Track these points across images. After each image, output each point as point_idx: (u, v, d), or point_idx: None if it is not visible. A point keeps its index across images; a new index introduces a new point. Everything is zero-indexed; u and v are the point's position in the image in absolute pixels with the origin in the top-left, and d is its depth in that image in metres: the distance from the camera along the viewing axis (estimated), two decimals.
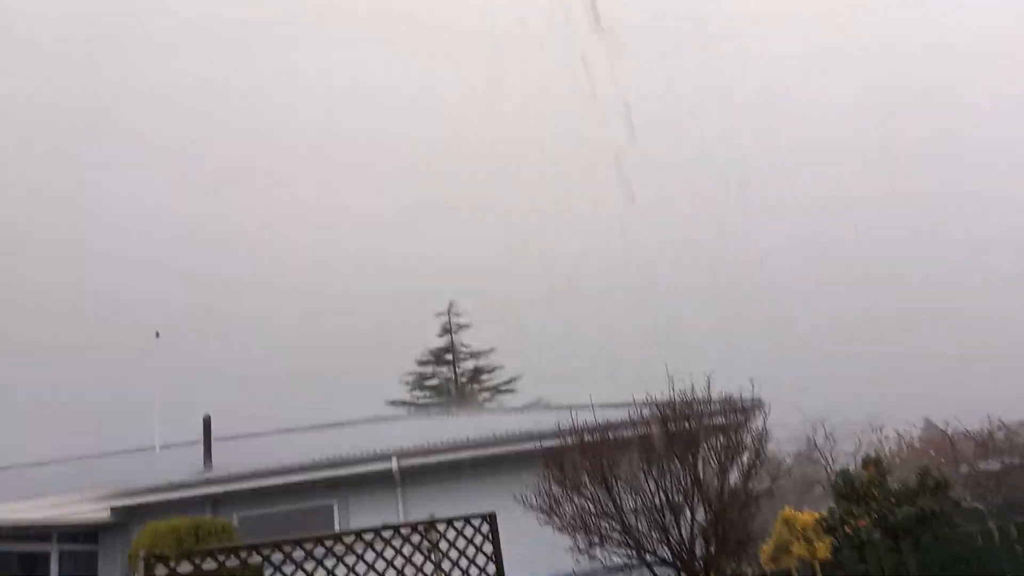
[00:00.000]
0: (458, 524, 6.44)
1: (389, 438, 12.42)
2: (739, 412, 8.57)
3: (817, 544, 11.98)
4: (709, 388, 8.36)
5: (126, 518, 10.11)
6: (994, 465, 25.30)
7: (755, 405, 8.93)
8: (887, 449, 26.12)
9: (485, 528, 6.48)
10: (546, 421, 10.39)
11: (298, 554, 5.90)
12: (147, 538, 7.96)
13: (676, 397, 8.23)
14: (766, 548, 12.62)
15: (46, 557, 9.49)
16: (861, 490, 10.44)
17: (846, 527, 10.36)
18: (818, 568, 6.68)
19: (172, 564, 5.63)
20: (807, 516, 13.16)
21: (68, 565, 9.80)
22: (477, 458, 10.22)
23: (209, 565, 5.61)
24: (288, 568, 5.85)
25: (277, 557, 5.80)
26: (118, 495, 10.13)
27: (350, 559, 6.10)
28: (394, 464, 10.07)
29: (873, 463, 10.97)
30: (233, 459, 11.41)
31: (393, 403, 38.26)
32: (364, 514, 10.01)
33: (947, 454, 25.56)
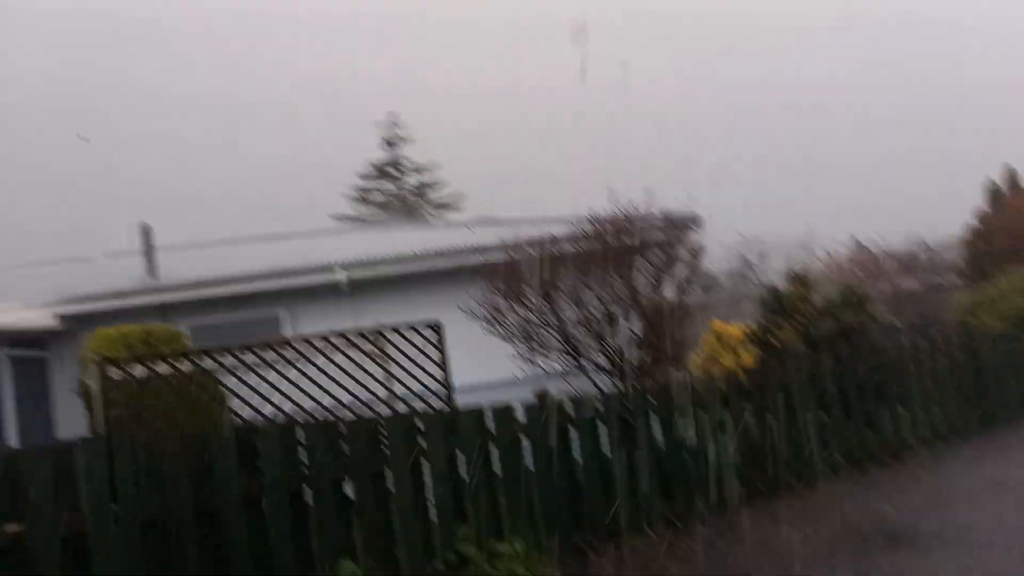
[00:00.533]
0: (406, 332, 6.69)
1: (337, 249, 12.50)
2: (677, 227, 8.82)
3: (743, 354, 12.79)
4: (649, 204, 8.54)
5: (74, 326, 10.17)
6: (914, 284, 26.92)
7: (692, 220, 9.19)
8: (816, 267, 27.39)
9: (432, 336, 6.76)
10: (491, 235, 10.55)
11: (251, 359, 6.09)
12: (97, 343, 8.06)
13: (617, 213, 8.39)
14: (696, 358, 13.45)
15: None
16: (787, 305, 11.05)
17: (771, 339, 11.06)
18: (742, 373, 7.22)
19: (125, 367, 5.76)
20: (736, 329, 13.92)
21: (18, 370, 9.93)
22: (425, 270, 10.43)
23: (162, 369, 5.77)
24: (241, 372, 6.06)
25: (230, 362, 5.99)
26: (65, 302, 10.12)
27: (301, 364, 6.34)
28: (342, 275, 10.21)
29: (800, 279, 11.52)
30: (179, 269, 11.39)
31: (338, 217, 38.09)
32: (313, 324, 10.25)
33: (872, 273, 27.00)
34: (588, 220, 8.62)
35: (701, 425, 6.83)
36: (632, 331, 8.29)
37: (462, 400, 6.93)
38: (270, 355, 6.19)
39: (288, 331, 10.47)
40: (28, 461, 4.31)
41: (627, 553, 5.83)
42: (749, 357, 11.79)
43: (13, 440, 9.60)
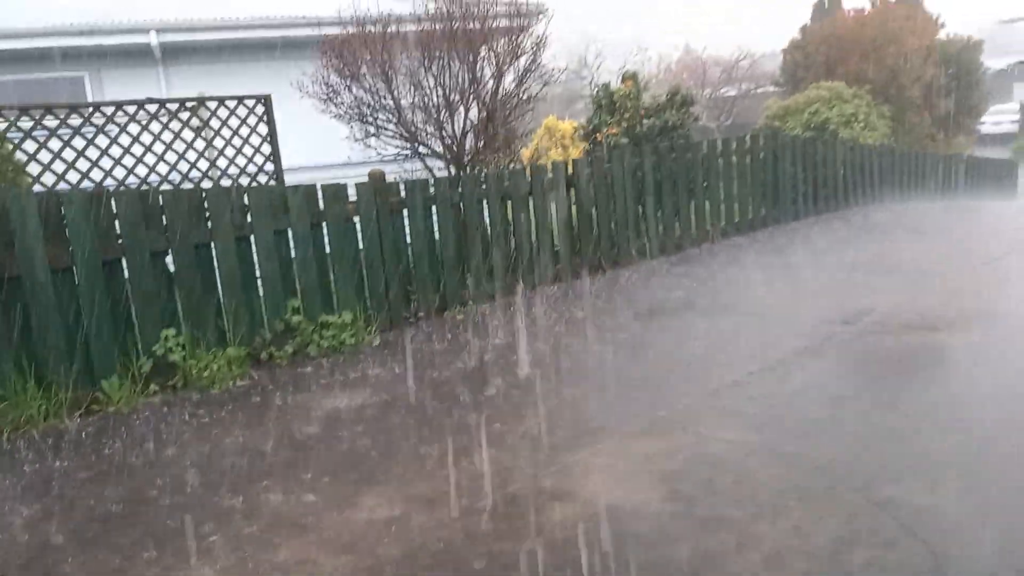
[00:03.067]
0: (231, 104, 6.29)
1: (150, 7, 11.13)
2: (523, 17, 8.64)
3: (572, 149, 13.21)
4: None
5: None
6: (732, 91, 28.34)
7: (538, 11, 9.02)
8: (648, 69, 28.00)
9: (260, 109, 6.40)
10: (324, 6, 9.83)
11: (52, 122, 5.53)
12: None
13: None
14: (527, 151, 13.74)
15: None
16: (617, 102, 11.39)
17: (599, 135, 11.47)
18: (570, 163, 7.53)
19: None
20: (567, 125, 14.24)
21: None
22: (253, 40, 9.59)
23: None
24: (40, 135, 5.52)
25: (26, 123, 5.42)
26: None
27: (112, 131, 5.85)
28: (154, 38, 9.20)
29: (631, 77, 11.82)
30: None
31: None
32: (120, 90, 9.34)
33: (697, 77, 28.03)
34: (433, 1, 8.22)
35: (528, 211, 7.17)
36: (469, 118, 8.27)
37: (292, 179, 6.77)
38: (75, 119, 5.62)
39: (91, 96, 9.47)
40: None
41: (446, 322, 6.25)
42: (577, 152, 12.21)
43: None
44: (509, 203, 7.04)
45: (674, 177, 8.53)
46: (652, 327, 5.79)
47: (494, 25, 8.34)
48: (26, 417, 4.44)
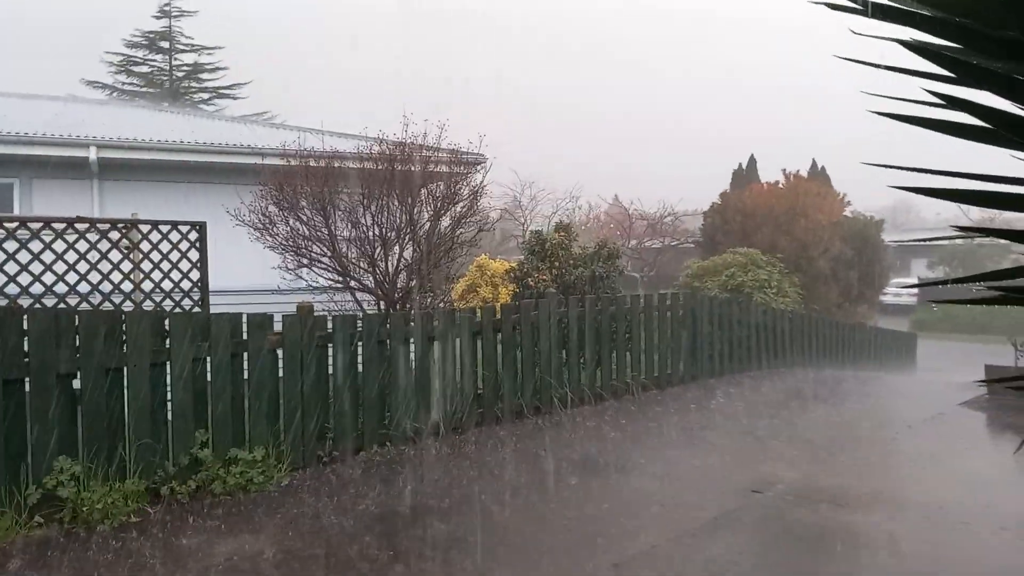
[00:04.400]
0: (164, 228, 6.25)
1: (90, 123, 11.17)
2: (463, 164, 9.02)
3: (502, 289, 13.48)
4: (440, 137, 8.64)
5: None
6: (656, 243, 29.75)
7: (478, 161, 9.43)
8: (578, 217, 29.25)
9: (193, 236, 6.36)
10: (269, 137, 10.06)
11: None
12: None
13: (407, 139, 8.40)
14: (457, 288, 13.94)
15: None
16: (549, 250, 11.79)
17: (530, 279, 11.77)
18: (499, 308, 7.66)
19: None
20: (498, 264, 14.60)
21: None
22: (191, 163, 9.68)
23: None
24: None
25: None
26: None
27: (35, 246, 5.71)
28: (92, 153, 9.18)
29: (564, 228, 12.32)
30: None
31: (92, 83, 33.87)
32: (51, 201, 9.22)
33: (624, 228, 29.38)
34: (377, 141, 8.53)
35: (452, 352, 7.20)
36: (403, 257, 8.42)
37: (219, 304, 6.67)
38: None
39: (18, 203, 9.27)
40: None
41: (360, 464, 6.07)
42: (507, 293, 12.46)
43: None
44: (436, 344, 7.06)
45: (598, 327, 8.76)
46: (564, 485, 5.76)
47: (434, 170, 8.68)
48: None
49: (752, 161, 26.99)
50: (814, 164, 25.85)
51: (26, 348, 4.78)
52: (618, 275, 12.10)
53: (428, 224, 8.47)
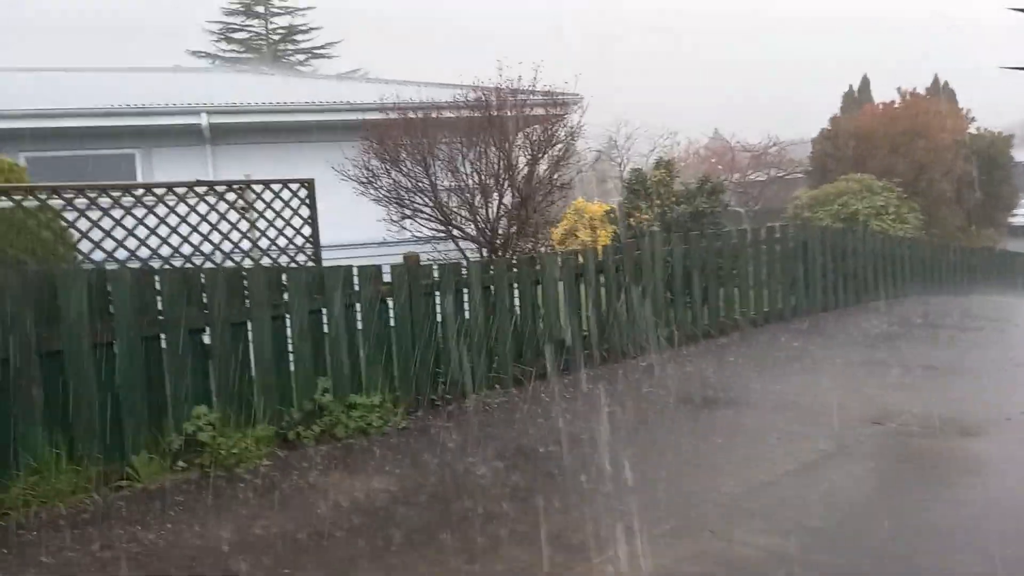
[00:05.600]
0: (275, 187, 6.51)
1: (198, 91, 11.66)
2: (558, 106, 8.92)
3: (600, 232, 13.36)
4: (534, 80, 8.56)
5: None
6: (761, 176, 28.63)
7: (574, 101, 9.30)
8: (678, 154, 28.45)
9: (303, 192, 6.61)
10: (367, 92, 10.23)
11: (105, 201, 5.76)
12: None
13: (501, 85, 8.37)
14: (556, 232, 13.94)
15: None
16: (650, 188, 11.57)
17: (630, 220, 11.61)
18: (600, 250, 7.63)
19: None
20: (596, 207, 14.45)
21: None
22: (296, 123, 9.97)
23: (3, 203, 5.37)
24: (94, 214, 5.74)
25: (81, 202, 5.64)
26: None
27: (161, 211, 6.07)
28: (204, 119, 9.59)
29: (664, 165, 12.03)
30: (16, 95, 10.32)
31: (196, 53, 35.14)
32: (169, 168, 9.71)
33: (726, 162, 28.39)
34: (472, 88, 8.54)
35: (557, 295, 7.23)
36: (503, 203, 8.46)
37: (329, 258, 6.93)
38: (127, 199, 5.86)
39: (141, 172, 9.84)
40: None
41: (471, 406, 6.24)
42: (606, 235, 12.35)
43: None
44: (539, 287, 7.11)
45: (703, 264, 8.57)
46: (679, 420, 5.74)
47: (530, 113, 8.61)
48: (55, 491, 4.47)
49: (865, 82, 25.39)
50: (936, 81, 24.08)
51: (159, 307, 5.11)
52: (722, 210, 11.77)
53: (526, 169, 8.46)
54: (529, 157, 8.44)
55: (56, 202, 5.60)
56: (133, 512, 4.31)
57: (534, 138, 8.49)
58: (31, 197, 5.55)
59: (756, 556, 3.48)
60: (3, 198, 5.38)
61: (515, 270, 6.97)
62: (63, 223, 5.75)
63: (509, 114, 8.17)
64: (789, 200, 16.43)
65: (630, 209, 11.61)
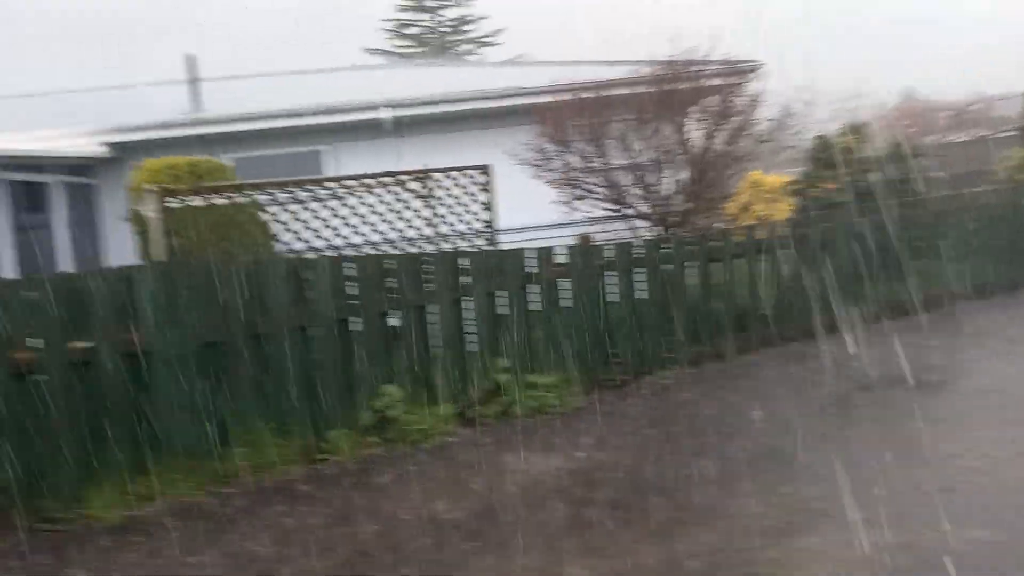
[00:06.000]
0: (454, 174, 6.75)
1: (380, 86, 12.29)
2: (735, 75, 8.54)
3: (779, 204, 12.66)
4: (710, 49, 8.24)
5: (120, 154, 10.31)
6: (963, 136, 25.97)
7: (751, 68, 8.86)
8: (864, 118, 26.40)
9: (481, 178, 6.81)
10: (537, 76, 10.31)
11: (303, 194, 6.25)
12: (146, 174, 8.22)
13: (675, 57, 8.12)
14: (731, 207, 13.38)
15: (45, 187, 9.85)
16: (835, 155, 10.80)
17: (814, 190, 10.91)
18: (781, 224, 7.22)
19: (183, 197, 5.94)
20: (773, 179, 13.70)
21: (70, 197, 10.21)
22: (472, 111, 10.24)
23: (217, 200, 5.94)
24: (293, 206, 6.23)
25: (282, 196, 6.14)
26: (112, 131, 10.21)
27: (351, 202, 6.49)
28: (386, 113, 10.10)
29: (854, 130, 11.19)
30: (222, 101, 11.36)
31: (372, 51, 37.00)
32: (354, 161, 10.28)
33: (921, 124, 26.01)
34: (644, 63, 8.38)
35: (733, 273, 6.93)
36: (676, 179, 8.24)
37: (504, 241, 7.08)
38: (320, 191, 6.33)
39: (329, 167, 10.52)
40: (94, 283, 4.57)
41: (646, 387, 6.13)
42: (785, 208, 11.68)
43: (68, 264, 10.03)
44: (715, 265, 6.86)
45: (897, 235, 7.88)
46: (879, 402, 5.33)
47: (706, 85, 8.30)
48: (266, 463, 4.87)
49: None
50: None
51: (349, 292, 5.42)
52: (917, 176, 10.78)
53: (702, 143, 8.16)
54: (705, 130, 8.13)
55: (262, 198, 6.13)
56: (336, 482, 4.62)
57: (710, 110, 8.17)
58: (240, 194, 6.09)
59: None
60: (218, 196, 5.95)
61: (690, 247, 6.77)
62: (266, 216, 6.28)
63: (683, 87, 7.91)
64: (998, 162, 14.77)
65: (813, 179, 10.91)
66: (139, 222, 8.08)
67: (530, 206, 8.70)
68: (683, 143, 8.09)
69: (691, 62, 8.35)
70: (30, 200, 9.71)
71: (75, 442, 4.42)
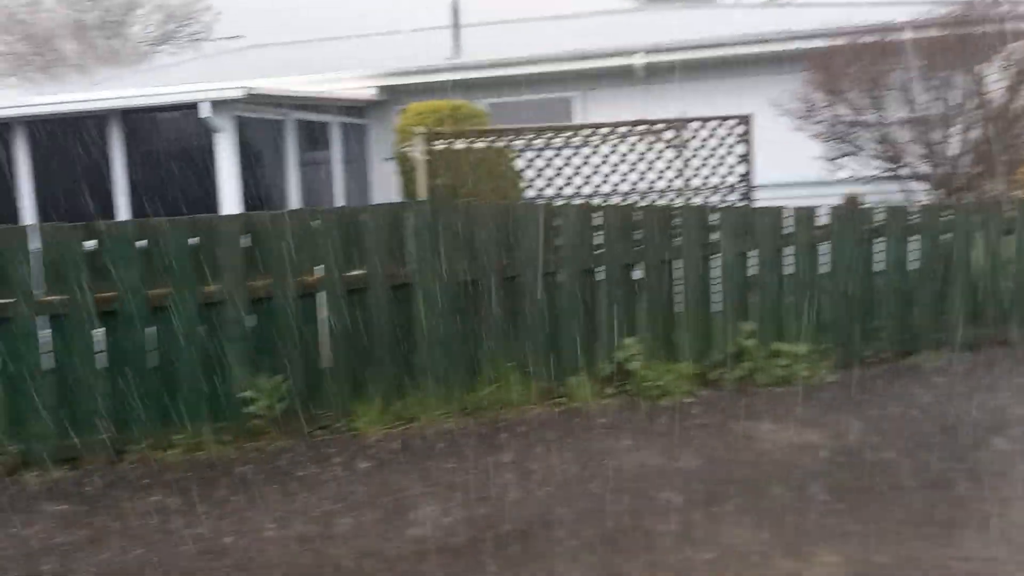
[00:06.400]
0: (711, 124, 6.44)
1: (632, 32, 12.03)
2: None
3: None
4: None
5: (387, 97, 11.07)
6: None
7: None
8: None
9: (739, 129, 6.44)
10: (809, 19, 9.49)
11: (556, 140, 6.32)
12: (411, 116, 8.78)
13: None
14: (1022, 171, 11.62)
15: (326, 127, 10.85)
16: None
17: None
18: None
19: (447, 140, 6.24)
20: None
21: (343, 136, 11.18)
22: (731, 57, 9.63)
23: (479, 144, 6.17)
24: (547, 152, 6.33)
25: (537, 142, 6.26)
26: (382, 75, 10.96)
27: (603, 149, 6.45)
28: (640, 59, 9.81)
29: None
30: (479, 47, 11.75)
31: None
32: (602, 109, 10.20)
33: None
34: (936, 2, 7.40)
35: None
36: (967, 138, 7.25)
37: (762, 197, 6.68)
38: (574, 138, 6.34)
39: (578, 114, 10.52)
40: (366, 218, 4.95)
41: (909, 369, 5.56)
42: None
43: (340, 198, 11.03)
44: (1009, 238, 5.99)
45: None
46: None
47: (1012, 28, 7.17)
48: (507, 400, 5.08)
49: None
50: None
51: (595, 242, 5.41)
52: None
53: (1001, 97, 7.09)
54: (1008, 82, 7.04)
55: (518, 143, 6.28)
56: (572, 425, 4.71)
57: (1016, 59, 7.04)
58: (499, 139, 6.29)
59: None
60: (479, 140, 6.18)
61: (978, 216, 5.95)
62: (520, 162, 6.43)
63: (985, 30, 6.87)
64: None
65: None
66: (403, 162, 8.67)
67: (789, 161, 8.10)
68: (979, 96, 7.07)
69: (997, 1, 7.25)
70: (312, 138, 10.75)
71: (345, 361, 4.88)
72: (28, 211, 9.74)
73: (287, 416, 4.72)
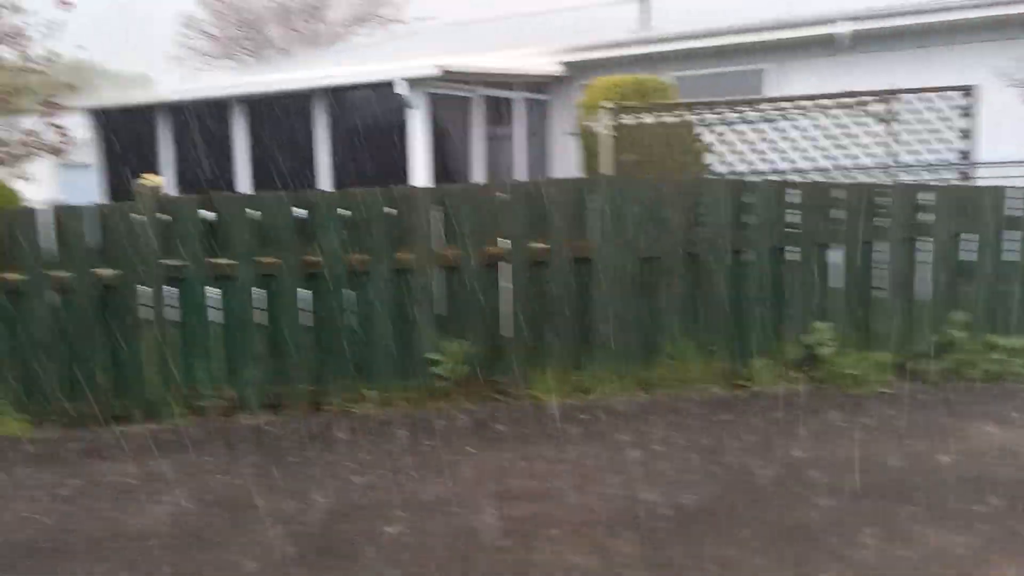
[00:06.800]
0: (929, 95, 5.90)
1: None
2: None
3: None
4: None
5: (570, 72, 11.05)
6: None
7: None
8: None
9: (961, 101, 5.85)
10: None
11: (751, 114, 6.05)
12: (595, 91, 8.72)
13: None
14: None
15: (509, 102, 11.04)
16: None
17: None
18: None
19: (635, 115, 6.15)
20: None
21: (526, 111, 11.32)
22: (952, 22, 8.61)
23: (667, 118, 6.04)
24: (740, 126, 6.07)
25: (730, 115, 6.02)
26: (565, 50, 10.96)
27: (802, 123, 6.10)
28: (844, 27, 9.04)
29: None
30: (667, 19, 11.41)
31: None
32: (799, 81, 9.59)
33: None
34: None
35: None
36: None
37: (984, 177, 6.03)
38: (771, 111, 6.04)
39: (771, 86, 9.92)
40: (550, 191, 4.99)
41: None
42: None
43: (522, 172, 11.19)
44: None
45: None
46: None
47: None
48: (685, 378, 4.96)
49: None
50: None
51: (788, 219, 5.13)
52: None
53: None
54: None
55: (710, 116, 6.08)
56: (761, 410, 4.53)
57: None
58: (690, 112, 6.11)
59: None
60: (667, 114, 6.05)
61: None
62: (710, 136, 6.22)
63: None
64: None
65: None
66: (586, 137, 8.66)
67: (1018, 137, 7.24)
68: None
69: None
70: (497, 114, 10.98)
71: (525, 330, 4.97)
72: (243, 179, 10.71)
73: (468, 380, 4.90)
